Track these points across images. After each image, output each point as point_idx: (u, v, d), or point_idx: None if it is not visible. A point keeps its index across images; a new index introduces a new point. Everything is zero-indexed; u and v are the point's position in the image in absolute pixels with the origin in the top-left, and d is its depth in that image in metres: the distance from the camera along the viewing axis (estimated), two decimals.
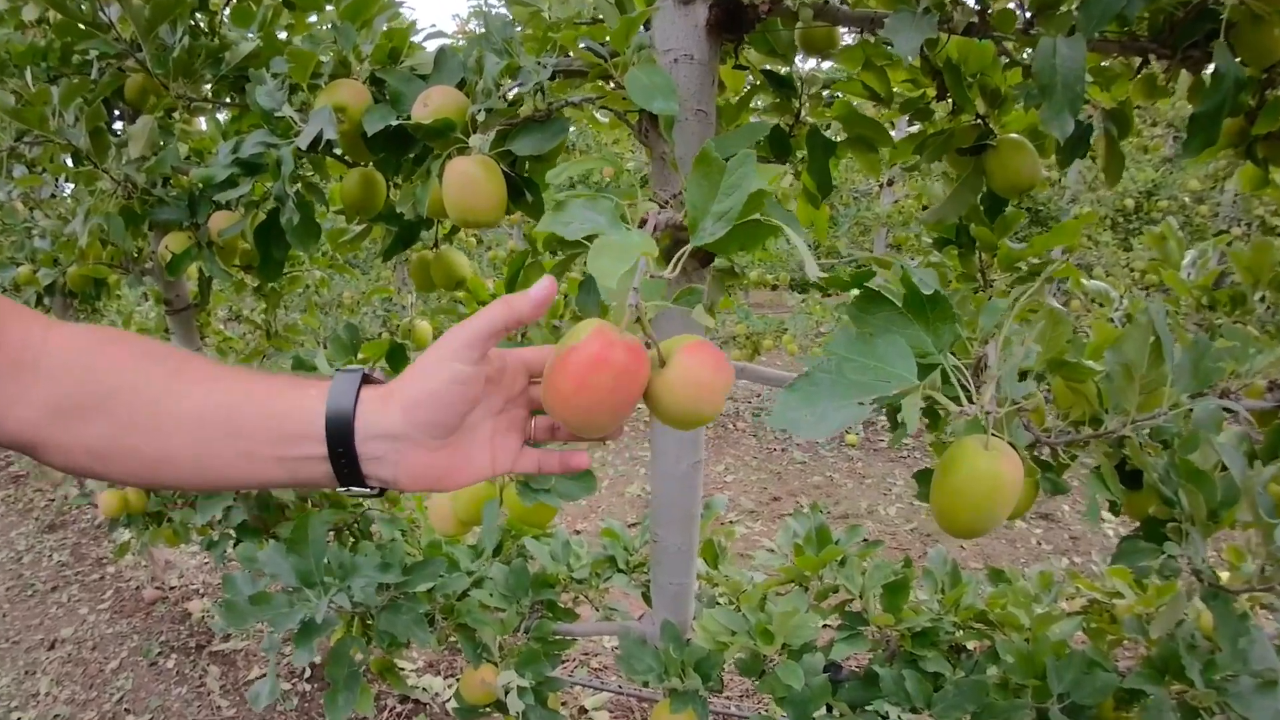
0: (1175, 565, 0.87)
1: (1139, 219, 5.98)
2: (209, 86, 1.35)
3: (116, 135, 1.49)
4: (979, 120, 1.08)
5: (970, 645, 1.25)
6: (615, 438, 0.56)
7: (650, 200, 0.82)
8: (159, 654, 2.53)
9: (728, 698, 2.18)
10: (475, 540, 1.54)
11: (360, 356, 1.30)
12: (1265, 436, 0.86)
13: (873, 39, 1.03)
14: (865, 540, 1.32)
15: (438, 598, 1.35)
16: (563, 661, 2.37)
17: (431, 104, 0.89)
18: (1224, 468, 0.77)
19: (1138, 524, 0.92)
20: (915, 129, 1.19)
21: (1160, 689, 0.98)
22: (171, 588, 2.92)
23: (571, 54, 0.91)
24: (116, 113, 1.66)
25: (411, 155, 1.07)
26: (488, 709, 1.32)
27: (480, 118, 0.85)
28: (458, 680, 2.31)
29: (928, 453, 4.45)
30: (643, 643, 1.18)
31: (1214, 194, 5.62)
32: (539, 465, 0.58)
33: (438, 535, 1.60)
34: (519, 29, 1.03)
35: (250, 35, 1.31)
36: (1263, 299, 1.20)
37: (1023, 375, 0.83)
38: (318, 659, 2.12)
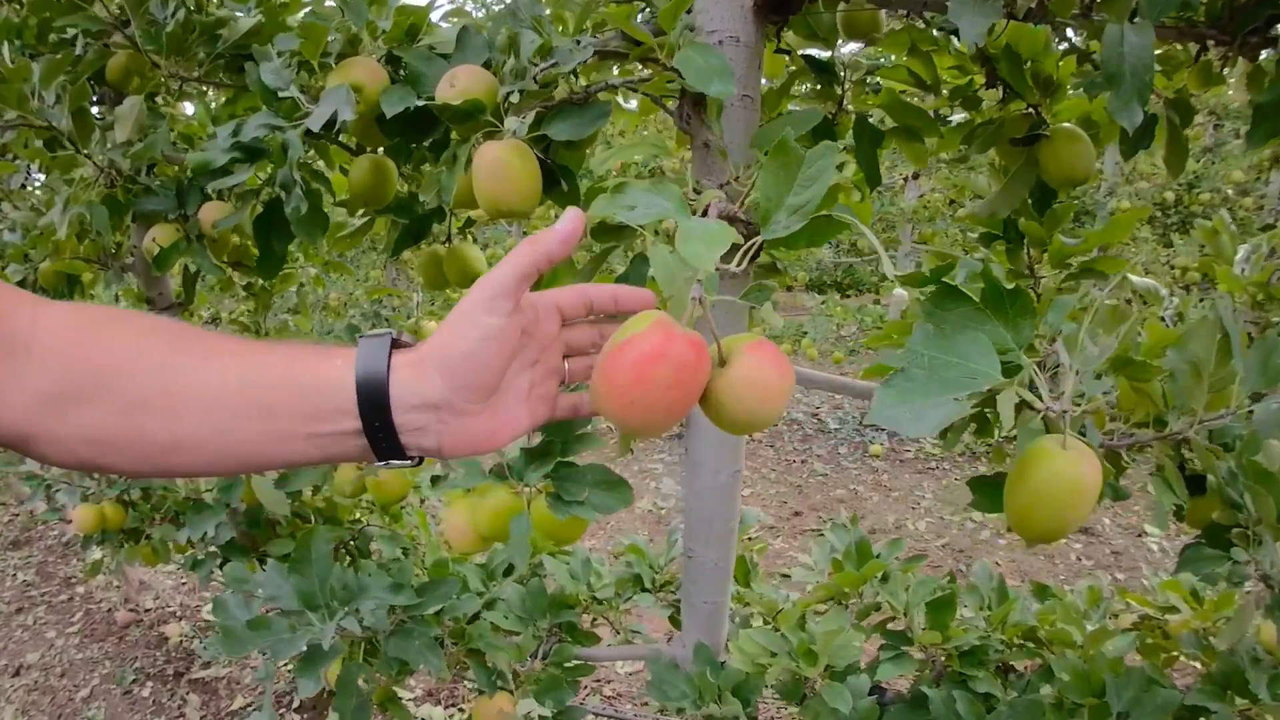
0: (1244, 572, 0.89)
1: (1178, 212, 6.05)
2: (201, 67, 1.34)
3: (100, 120, 1.49)
4: (1030, 109, 1.10)
5: (1018, 664, 1.27)
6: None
7: (695, 190, 0.85)
8: (134, 681, 2.54)
9: None
10: (484, 559, 1.55)
11: None
12: None
13: (920, 23, 1.06)
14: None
15: (446, 621, 1.36)
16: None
17: (459, 84, 0.89)
18: None
19: (1196, 534, 0.95)
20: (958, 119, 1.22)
21: (1225, 705, 1.01)
22: (147, 610, 2.92)
23: (600, 35, 0.94)
24: (95, 96, 1.67)
25: (428, 141, 1.09)
26: None
27: (514, 99, 0.87)
28: (460, 710, 2.32)
29: (956, 464, 4.47)
30: (675, 667, 1.19)
31: (1259, 185, 5.69)
32: (575, 409, 0.59)
33: (447, 553, 1.61)
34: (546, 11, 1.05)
35: (244, 12, 1.30)
36: None
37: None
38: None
